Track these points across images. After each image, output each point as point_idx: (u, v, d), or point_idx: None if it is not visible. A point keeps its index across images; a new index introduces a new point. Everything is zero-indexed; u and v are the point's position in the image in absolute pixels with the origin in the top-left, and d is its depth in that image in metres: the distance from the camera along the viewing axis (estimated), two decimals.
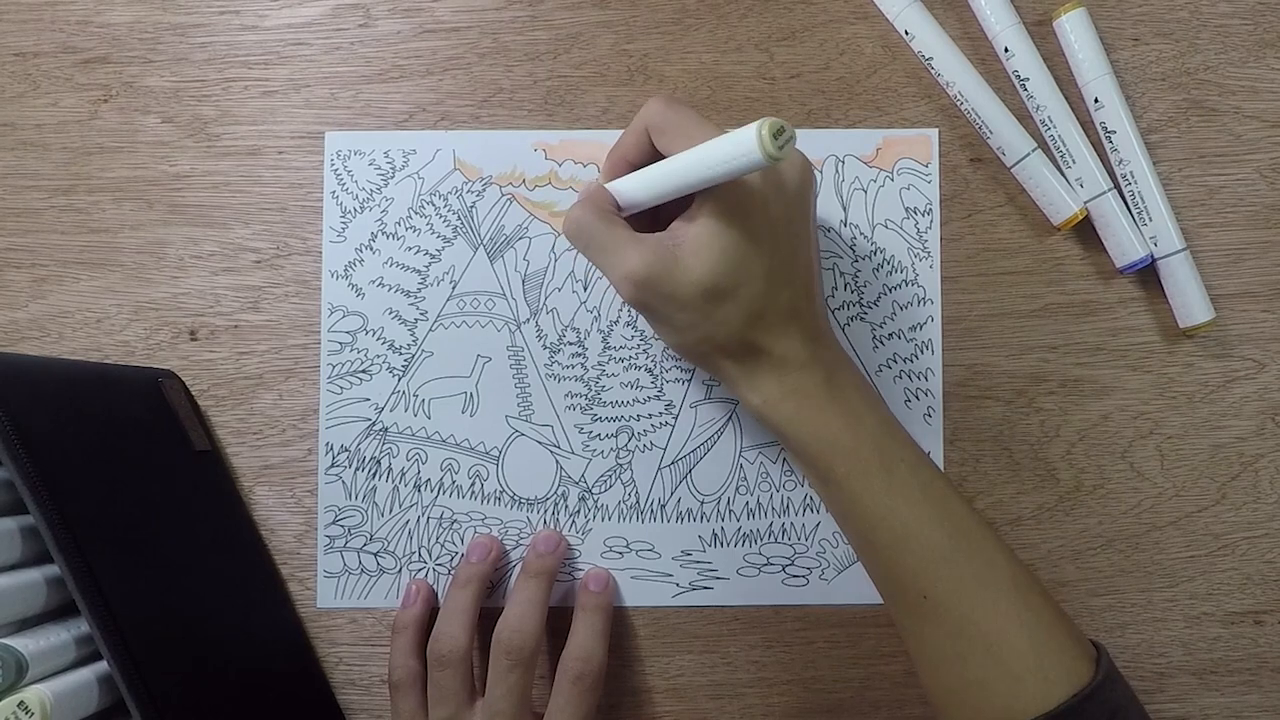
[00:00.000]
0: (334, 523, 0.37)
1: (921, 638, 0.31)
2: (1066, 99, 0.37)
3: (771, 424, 0.32)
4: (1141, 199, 0.36)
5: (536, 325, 0.38)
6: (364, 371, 0.38)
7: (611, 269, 0.30)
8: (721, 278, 0.29)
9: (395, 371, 0.38)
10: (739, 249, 0.29)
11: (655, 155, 0.31)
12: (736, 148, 0.26)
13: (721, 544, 0.37)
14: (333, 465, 0.37)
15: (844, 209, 0.38)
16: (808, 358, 0.31)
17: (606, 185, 0.32)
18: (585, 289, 0.38)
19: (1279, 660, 0.37)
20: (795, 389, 0.31)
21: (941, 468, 0.37)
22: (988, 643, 0.30)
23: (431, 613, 0.36)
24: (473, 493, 0.37)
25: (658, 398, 0.38)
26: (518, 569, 0.37)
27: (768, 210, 0.29)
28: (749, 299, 0.29)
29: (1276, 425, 0.38)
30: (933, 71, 0.37)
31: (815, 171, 0.38)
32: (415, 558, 0.37)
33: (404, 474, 0.37)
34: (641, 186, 0.31)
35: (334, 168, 0.38)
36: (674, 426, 0.37)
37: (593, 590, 0.36)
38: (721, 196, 0.29)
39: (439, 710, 0.33)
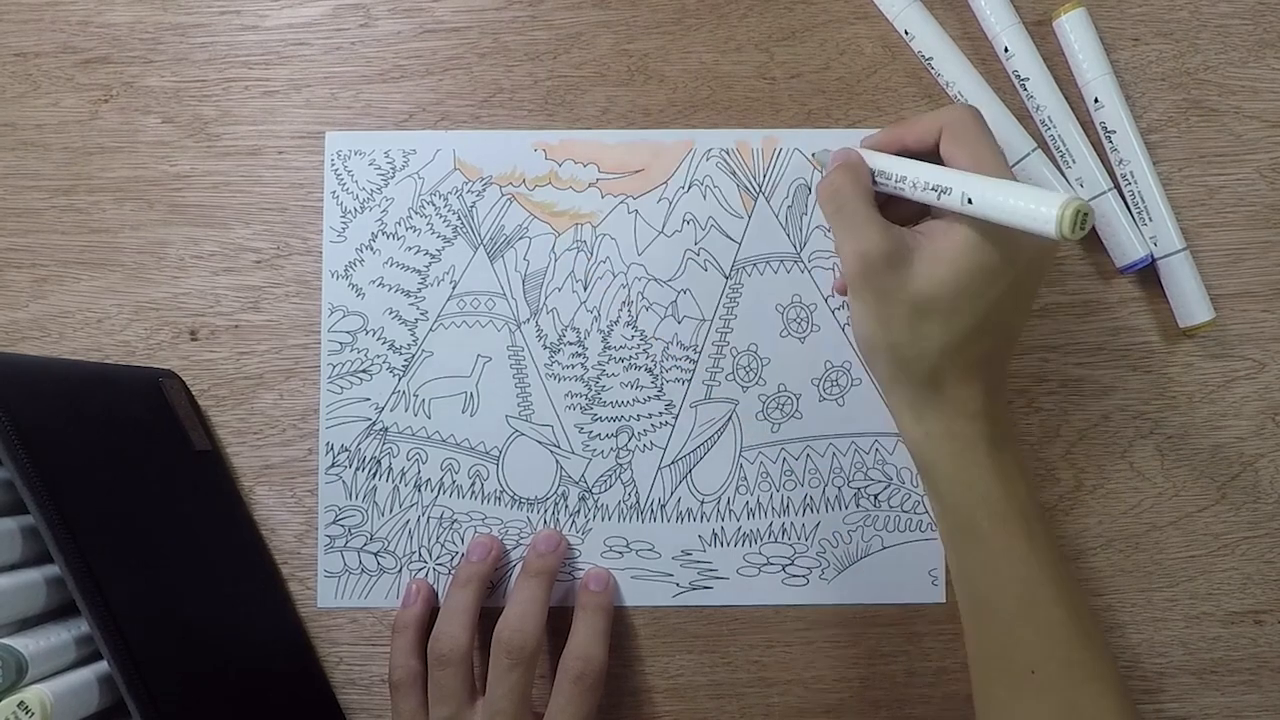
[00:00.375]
0: (334, 522, 0.37)
1: (1014, 712, 0.31)
2: (1066, 99, 0.37)
3: (926, 460, 0.32)
4: (1142, 199, 0.36)
5: (536, 325, 0.38)
6: (364, 371, 0.38)
7: (848, 241, 0.31)
8: (943, 299, 0.29)
9: (395, 371, 0.38)
10: (973, 282, 0.29)
11: (929, 151, 0.32)
12: (1033, 210, 0.26)
13: (721, 544, 0.37)
14: (333, 465, 0.37)
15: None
16: (981, 409, 0.31)
17: (881, 155, 0.32)
18: (585, 289, 0.38)
19: (1279, 660, 0.37)
20: (960, 434, 0.31)
21: None
22: None
23: (432, 612, 0.36)
24: (473, 492, 0.37)
25: (658, 397, 0.38)
26: (518, 569, 0.37)
27: (1015, 260, 0.29)
28: (956, 331, 0.30)
29: (1277, 425, 0.38)
30: (933, 71, 0.37)
31: (819, 171, 0.38)
32: (415, 557, 0.37)
33: (404, 474, 0.37)
34: (906, 172, 0.31)
35: (334, 168, 0.38)
36: (674, 426, 0.37)
37: (593, 590, 0.36)
38: (987, 228, 0.29)
39: (440, 710, 0.33)
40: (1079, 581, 0.32)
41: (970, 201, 0.28)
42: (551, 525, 0.37)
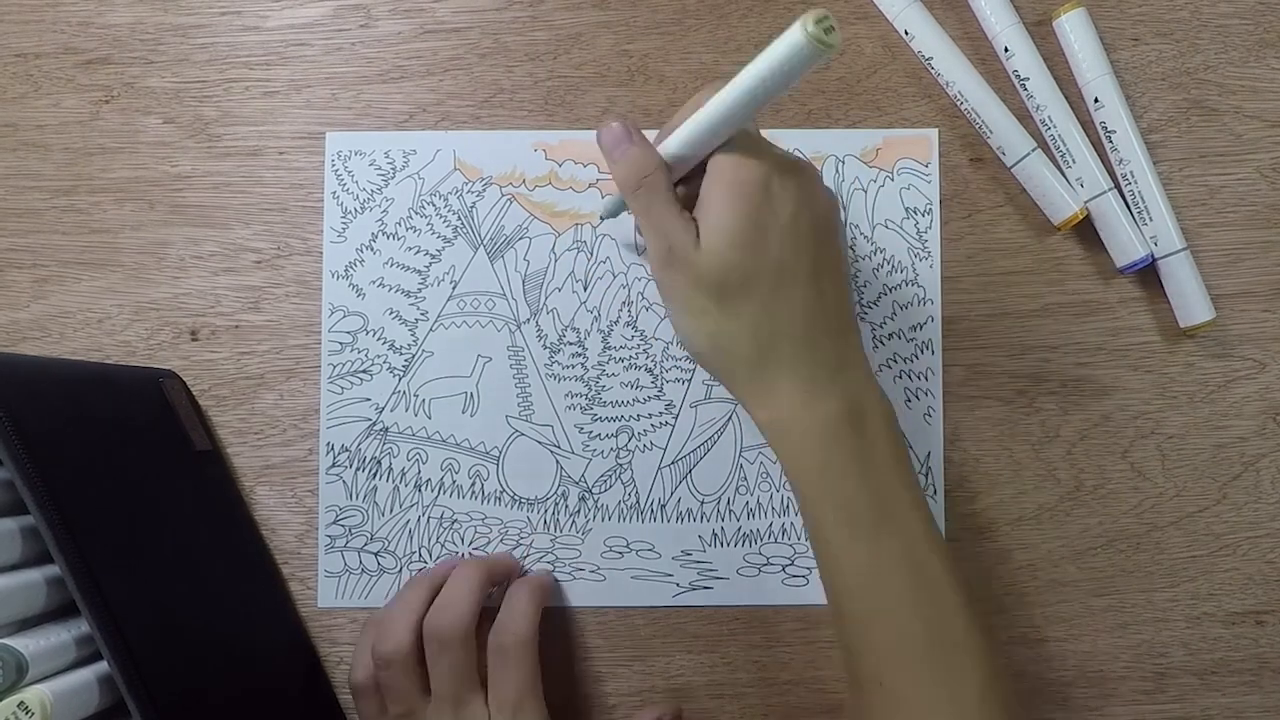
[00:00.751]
0: (335, 522, 0.37)
1: None
2: (1066, 99, 0.37)
3: (774, 446, 0.29)
4: (1142, 199, 0.36)
5: (537, 325, 0.38)
6: (364, 371, 0.38)
7: (655, 238, 0.29)
8: (731, 265, 0.27)
9: (396, 371, 0.38)
10: (747, 231, 0.27)
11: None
12: (781, 50, 0.25)
13: (721, 544, 0.37)
14: (333, 465, 0.37)
15: (844, 209, 0.38)
16: (826, 385, 0.28)
17: (657, 147, 0.30)
18: (585, 289, 0.38)
19: None
20: (805, 413, 0.28)
21: (941, 468, 0.37)
22: None
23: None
24: (473, 493, 0.37)
25: (658, 398, 0.38)
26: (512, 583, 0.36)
27: (770, 200, 0.28)
28: (764, 298, 0.28)
29: (1277, 425, 0.38)
30: (933, 71, 0.37)
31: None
32: (416, 557, 0.37)
33: (404, 474, 0.37)
34: (688, 133, 0.29)
35: (335, 168, 0.38)
36: (674, 426, 0.37)
37: (529, 572, 0.36)
38: (721, 175, 0.28)
39: (395, 708, 0.33)
40: (954, 581, 0.28)
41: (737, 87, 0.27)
42: (551, 525, 0.37)
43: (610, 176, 0.34)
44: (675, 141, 0.29)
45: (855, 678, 0.29)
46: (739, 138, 0.29)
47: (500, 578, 0.36)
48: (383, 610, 0.35)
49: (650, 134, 0.38)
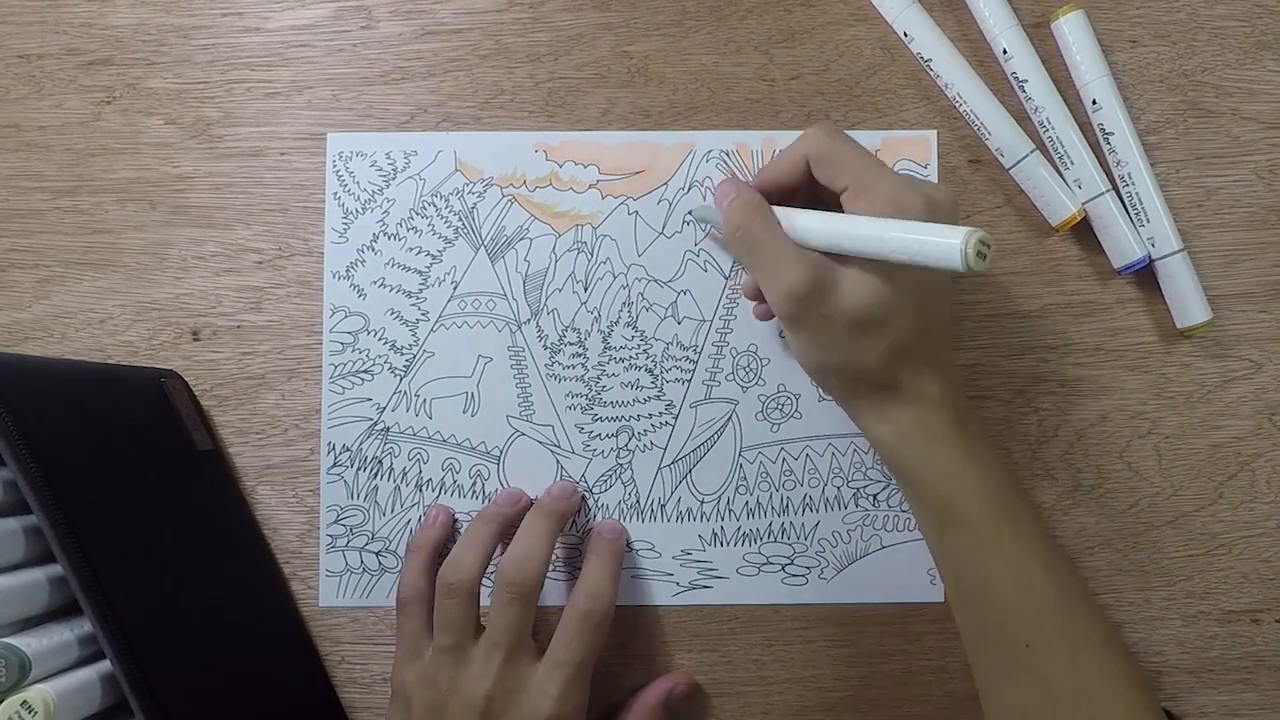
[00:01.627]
0: (336, 522, 0.37)
1: (1015, 686, 0.31)
2: (1065, 100, 0.37)
3: (896, 457, 0.32)
4: (1139, 200, 0.37)
5: (537, 326, 0.38)
6: (365, 372, 0.38)
7: (772, 280, 0.31)
8: (877, 309, 0.30)
9: (397, 372, 0.38)
10: (895, 288, 0.29)
11: (809, 181, 0.32)
12: (938, 250, 0.27)
13: (721, 543, 0.38)
14: (334, 465, 0.38)
15: None
16: (940, 398, 0.31)
17: (780, 210, 0.32)
18: (585, 290, 0.38)
19: (1276, 658, 0.37)
20: (926, 426, 0.31)
21: None
22: (1087, 700, 0.30)
23: (447, 539, 0.36)
24: (474, 492, 0.38)
25: (658, 398, 0.38)
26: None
27: None
28: (897, 334, 0.30)
29: (1273, 425, 0.38)
30: (931, 73, 0.37)
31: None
32: None
33: (405, 474, 0.38)
34: (819, 232, 0.31)
35: (336, 169, 0.38)
36: (674, 426, 0.38)
37: (606, 537, 0.36)
38: None
39: (443, 638, 0.33)
40: (1063, 552, 0.33)
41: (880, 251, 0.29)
42: None
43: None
44: (801, 229, 0.31)
45: (998, 645, 0.32)
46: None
47: (566, 524, 0.37)
48: (457, 539, 0.35)
49: (651, 135, 0.38)
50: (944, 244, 0.26)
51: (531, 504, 0.37)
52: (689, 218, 0.38)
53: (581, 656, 0.33)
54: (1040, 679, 0.31)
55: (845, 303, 0.30)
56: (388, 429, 0.38)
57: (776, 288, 0.31)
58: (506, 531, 0.36)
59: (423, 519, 0.37)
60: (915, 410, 0.31)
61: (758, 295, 0.36)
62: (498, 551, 0.36)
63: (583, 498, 0.37)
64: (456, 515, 0.38)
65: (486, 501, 0.37)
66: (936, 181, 0.38)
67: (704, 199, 0.38)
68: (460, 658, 0.33)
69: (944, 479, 0.31)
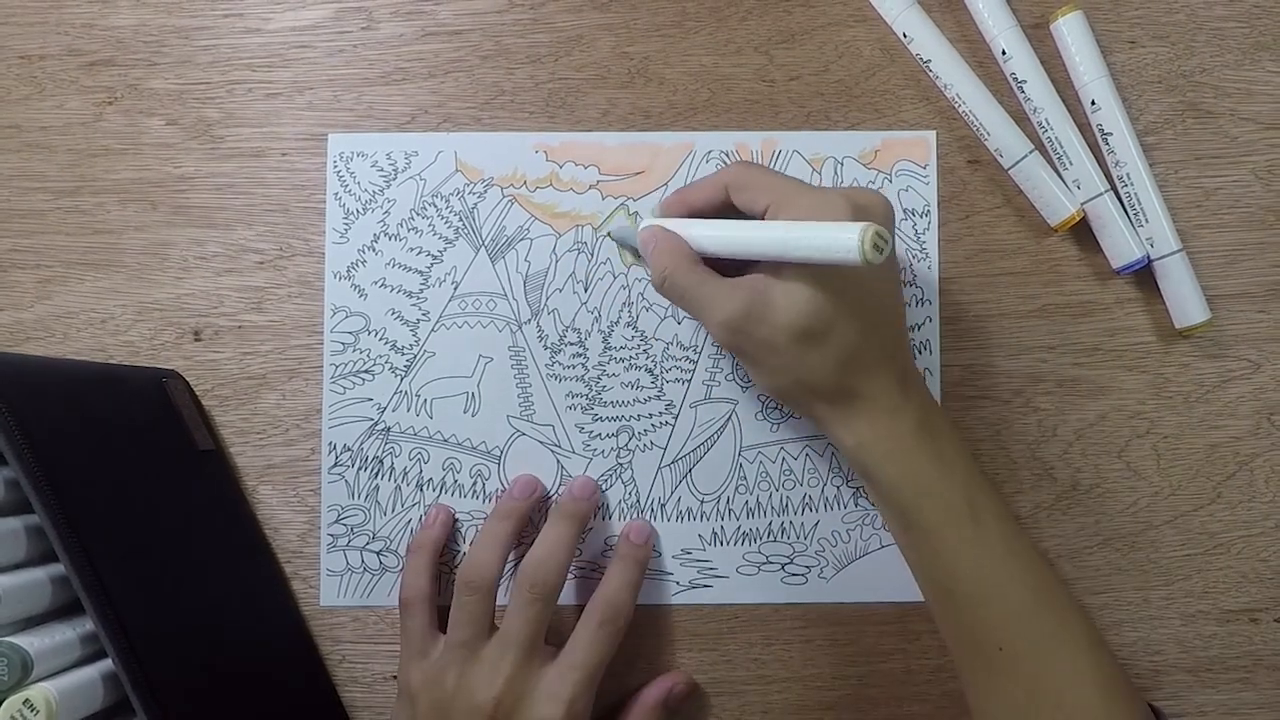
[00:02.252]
0: (337, 522, 0.38)
1: (992, 690, 0.31)
2: (1063, 101, 0.37)
3: (863, 466, 0.32)
4: (1138, 200, 0.37)
5: (538, 326, 0.38)
6: (366, 372, 0.38)
7: (706, 316, 0.31)
8: (815, 320, 0.29)
9: (397, 372, 0.38)
10: (830, 294, 0.29)
11: (723, 211, 0.32)
12: (835, 243, 0.27)
13: (721, 543, 0.38)
14: (335, 465, 0.38)
15: None
16: (900, 401, 0.31)
17: (681, 227, 0.32)
18: (586, 290, 0.38)
19: (1274, 658, 0.38)
20: (888, 432, 0.31)
21: None
22: (1061, 699, 0.30)
23: (448, 539, 0.37)
24: (474, 492, 0.38)
25: (658, 398, 0.38)
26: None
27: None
28: (842, 342, 0.30)
29: (1272, 425, 0.38)
30: (931, 74, 0.38)
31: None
32: None
33: (406, 473, 0.38)
34: (722, 241, 0.31)
35: (337, 169, 0.38)
36: (674, 426, 0.38)
37: (633, 541, 0.36)
38: None
39: (458, 634, 0.33)
40: (1036, 548, 0.32)
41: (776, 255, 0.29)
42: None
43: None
44: (707, 243, 0.32)
45: (971, 648, 0.32)
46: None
47: (587, 525, 0.37)
48: (475, 538, 0.36)
49: (651, 136, 0.38)
50: (841, 237, 0.26)
51: (546, 494, 0.37)
52: (609, 238, 0.38)
53: (595, 663, 0.33)
54: (1014, 681, 0.31)
55: (782, 319, 0.29)
56: (388, 429, 0.38)
57: (712, 322, 0.31)
58: (523, 527, 0.36)
59: (423, 519, 0.37)
60: (873, 417, 0.31)
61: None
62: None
63: (602, 494, 0.37)
64: (457, 514, 0.38)
65: (487, 501, 0.38)
66: (935, 188, 0.38)
67: None
68: (472, 655, 0.33)
69: (906, 485, 0.31)
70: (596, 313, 0.38)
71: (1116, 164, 0.37)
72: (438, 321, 0.38)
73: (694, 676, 0.38)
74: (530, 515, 0.36)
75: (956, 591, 0.31)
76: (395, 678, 0.37)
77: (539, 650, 0.33)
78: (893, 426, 0.31)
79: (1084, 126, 0.37)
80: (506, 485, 0.38)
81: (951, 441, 0.32)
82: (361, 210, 0.38)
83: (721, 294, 0.30)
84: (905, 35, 0.38)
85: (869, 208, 0.29)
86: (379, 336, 0.38)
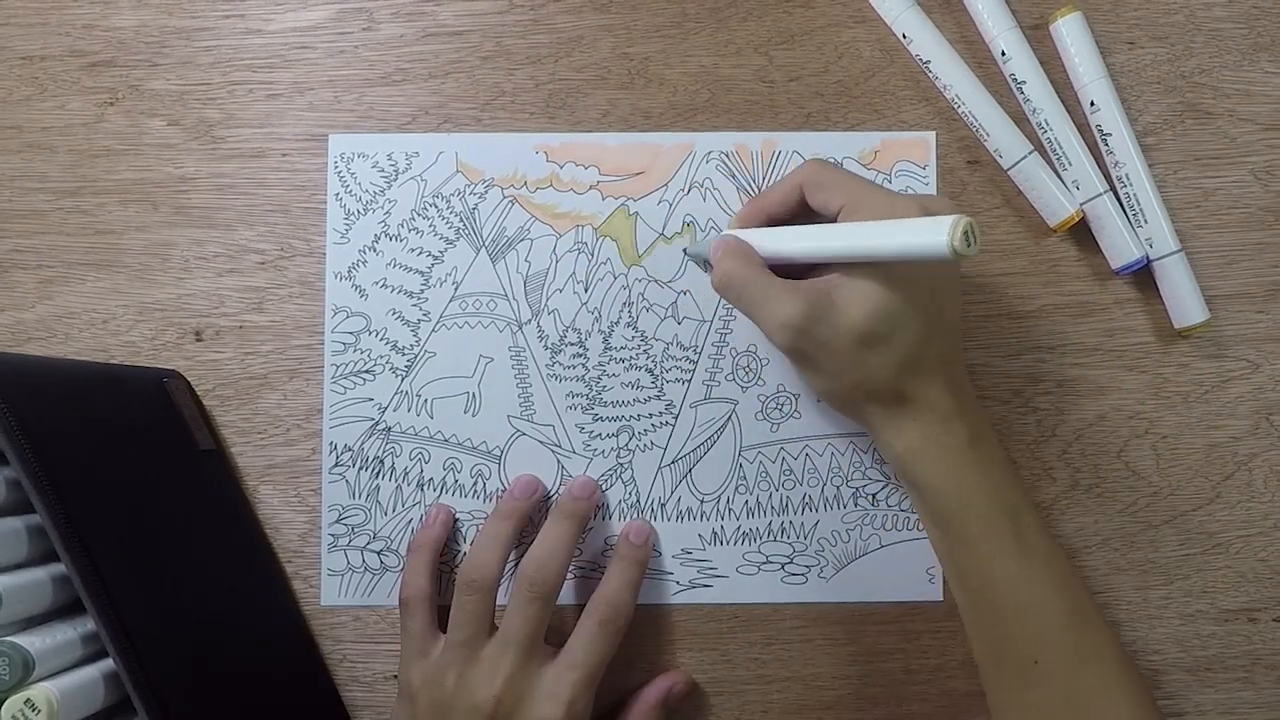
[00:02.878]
0: (337, 521, 0.38)
1: (1023, 704, 0.32)
2: (1063, 102, 0.37)
3: (910, 473, 0.32)
4: (1137, 201, 0.37)
5: (538, 326, 0.38)
6: (367, 372, 0.38)
7: (767, 318, 0.31)
8: (878, 324, 0.29)
9: (398, 372, 0.38)
10: (896, 296, 0.29)
11: (799, 213, 0.33)
12: (925, 236, 0.27)
13: (721, 542, 0.38)
14: (336, 464, 0.38)
15: None
16: (953, 410, 0.31)
17: (753, 236, 0.32)
18: (586, 290, 0.38)
19: (1272, 657, 0.38)
20: (938, 441, 0.31)
21: None
22: (1093, 713, 0.30)
23: (448, 538, 0.37)
24: (475, 492, 0.38)
25: (658, 398, 0.38)
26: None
27: (930, 269, 0.30)
28: (903, 347, 0.30)
29: (1270, 425, 0.38)
30: (930, 75, 0.38)
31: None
32: None
33: (407, 473, 0.38)
34: (798, 246, 0.31)
35: (337, 170, 0.38)
36: (674, 426, 0.38)
37: (633, 542, 0.36)
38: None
39: (458, 633, 0.33)
40: (1072, 563, 0.33)
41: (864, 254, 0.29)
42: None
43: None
44: (784, 247, 0.31)
45: (1005, 660, 0.32)
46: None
47: (587, 524, 0.37)
48: (476, 537, 0.36)
49: (652, 137, 0.38)
50: (930, 229, 0.26)
51: (547, 494, 0.37)
52: (685, 255, 0.38)
53: (595, 662, 0.33)
54: (1047, 696, 0.31)
55: (846, 321, 0.30)
56: (389, 429, 0.38)
57: (771, 325, 0.31)
58: (524, 527, 0.36)
59: (423, 518, 0.37)
60: (926, 424, 0.31)
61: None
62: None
63: (602, 494, 0.37)
64: (457, 514, 0.38)
65: (488, 501, 0.38)
66: (935, 188, 0.38)
67: (704, 200, 0.38)
68: (472, 654, 0.33)
69: (953, 495, 0.31)
70: (597, 313, 0.38)
71: (1116, 165, 0.37)
72: (438, 322, 0.38)
73: (694, 676, 0.38)
74: (531, 515, 0.36)
75: (995, 603, 0.31)
76: (395, 677, 0.37)
77: (539, 649, 0.33)
78: (943, 435, 0.31)
79: (1083, 127, 0.37)
80: (507, 485, 0.38)
81: (998, 454, 0.32)
82: (362, 211, 0.38)
83: (784, 295, 0.30)
84: (905, 36, 0.38)
85: (940, 210, 0.30)
86: (380, 337, 0.38)
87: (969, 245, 0.26)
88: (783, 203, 0.33)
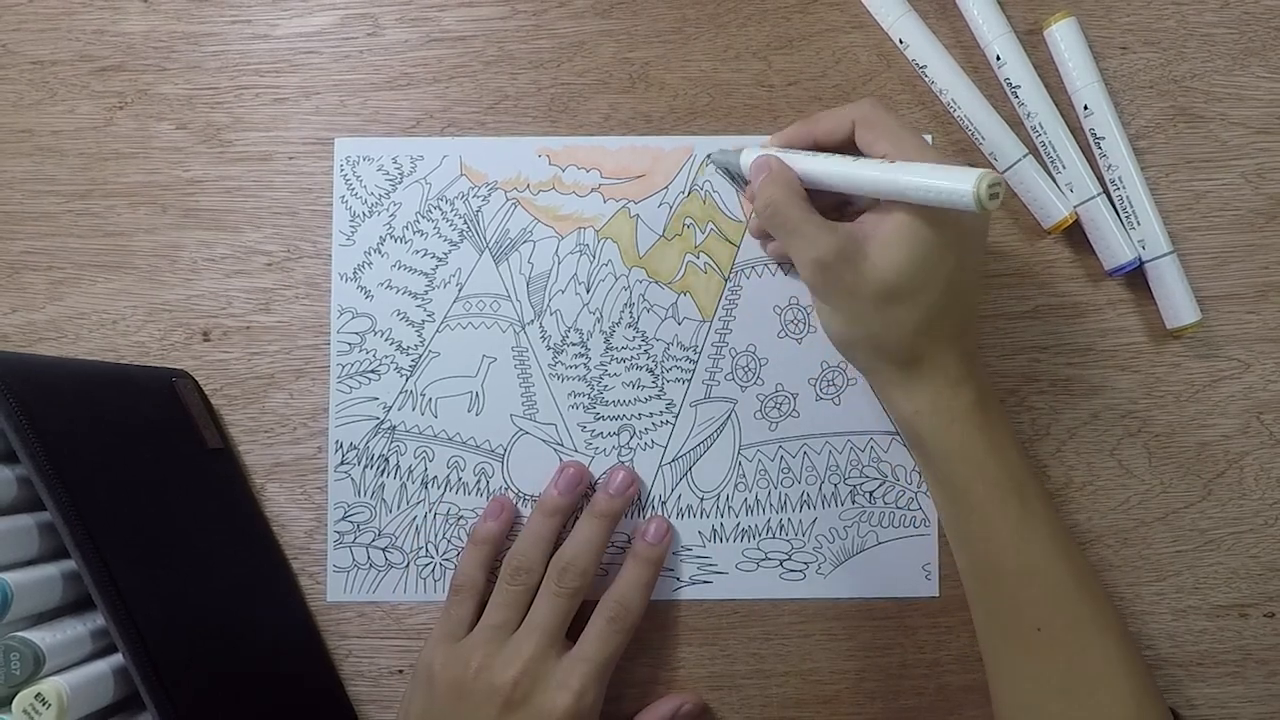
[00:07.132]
0: (343, 519, 0.38)
1: (1025, 672, 0.32)
2: (1057, 106, 0.37)
3: (918, 435, 0.32)
4: (1130, 203, 0.37)
5: (540, 326, 0.38)
6: (372, 371, 0.38)
7: (801, 251, 0.31)
8: (904, 279, 0.30)
9: (403, 371, 0.38)
10: (927, 256, 0.30)
11: (843, 144, 0.33)
12: (951, 185, 0.28)
13: (721, 539, 0.38)
14: (342, 463, 0.38)
15: None
16: (964, 375, 0.31)
17: (790, 157, 0.33)
18: (588, 291, 0.39)
19: (1264, 652, 0.38)
20: (948, 404, 0.31)
21: None
22: (1096, 684, 0.31)
23: (507, 533, 0.37)
24: (478, 489, 0.38)
25: (659, 397, 0.38)
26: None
27: (960, 225, 0.30)
28: (924, 306, 0.30)
29: (1261, 424, 0.38)
30: (926, 79, 0.38)
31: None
32: (422, 553, 0.38)
33: (411, 471, 0.38)
34: (837, 175, 0.32)
35: (343, 173, 0.39)
36: (674, 425, 0.38)
37: (649, 541, 0.37)
38: (924, 208, 0.30)
39: (496, 615, 0.35)
40: (1074, 537, 0.33)
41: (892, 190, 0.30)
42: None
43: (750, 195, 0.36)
44: (817, 172, 0.32)
45: (1009, 628, 0.32)
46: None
47: (619, 521, 0.37)
48: (521, 531, 0.37)
49: (652, 140, 0.38)
50: (959, 176, 0.27)
51: (592, 486, 0.38)
52: (709, 161, 0.38)
53: (604, 658, 0.34)
54: (1050, 663, 0.31)
55: (874, 272, 0.30)
56: (394, 427, 0.38)
57: (804, 258, 0.31)
58: (567, 520, 0.37)
59: (486, 507, 0.37)
60: (936, 388, 0.31)
61: (765, 235, 0.37)
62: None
63: (639, 489, 0.38)
64: (461, 513, 0.38)
65: (489, 499, 0.38)
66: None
67: (704, 203, 0.39)
68: (503, 636, 0.34)
69: (960, 461, 0.32)
70: (598, 313, 0.38)
71: (1109, 167, 0.37)
72: (442, 322, 0.38)
73: (694, 671, 0.38)
74: (574, 509, 0.37)
75: (998, 568, 0.32)
76: (400, 672, 0.38)
77: (559, 640, 0.34)
78: (953, 399, 0.31)
79: (1077, 131, 0.38)
80: (509, 483, 0.38)
81: (1003, 421, 0.32)
82: (367, 213, 0.39)
83: (821, 232, 0.31)
84: (901, 41, 0.38)
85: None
86: (385, 337, 0.38)
87: (993, 199, 0.27)
88: (831, 133, 0.33)
